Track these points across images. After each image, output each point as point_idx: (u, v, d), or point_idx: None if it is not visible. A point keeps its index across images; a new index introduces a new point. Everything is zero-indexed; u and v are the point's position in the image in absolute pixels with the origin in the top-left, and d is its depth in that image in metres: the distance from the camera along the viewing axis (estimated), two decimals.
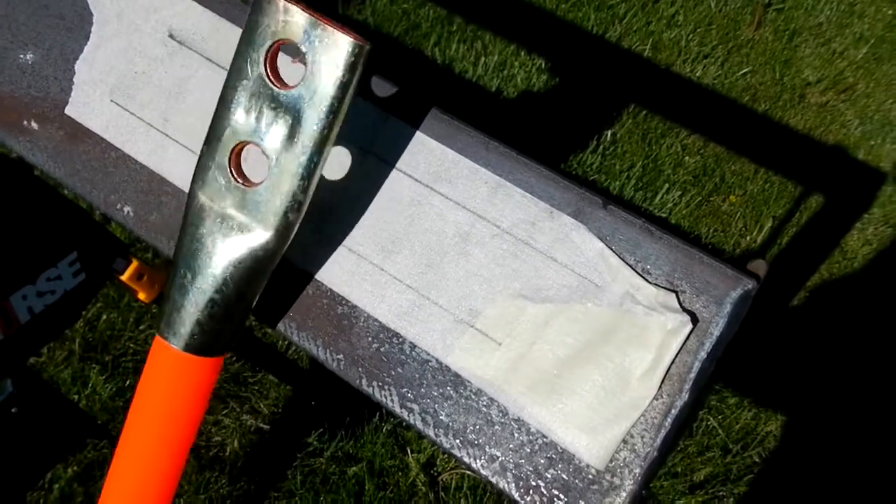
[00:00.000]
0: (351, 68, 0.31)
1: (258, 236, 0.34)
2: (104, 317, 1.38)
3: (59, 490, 1.19)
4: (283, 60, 0.34)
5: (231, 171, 0.33)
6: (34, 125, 0.44)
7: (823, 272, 1.62)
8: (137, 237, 0.42)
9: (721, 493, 1.32)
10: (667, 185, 1.68)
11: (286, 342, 1.39)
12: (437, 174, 0.37)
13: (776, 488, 1.36)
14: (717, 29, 1.95)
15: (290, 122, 0.32)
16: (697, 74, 1.87)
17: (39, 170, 0.45)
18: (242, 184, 0.33)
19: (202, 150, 0.34)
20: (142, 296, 1.02)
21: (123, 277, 0.98)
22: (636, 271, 0.34)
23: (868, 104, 1.87)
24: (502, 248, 0.36)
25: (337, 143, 0.38)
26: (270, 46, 0.31)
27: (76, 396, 1.30)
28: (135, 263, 0.98)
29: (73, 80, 0.44)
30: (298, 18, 0.31)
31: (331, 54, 0.31)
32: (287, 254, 0.38)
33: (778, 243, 1.65)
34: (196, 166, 0.34)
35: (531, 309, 0.35)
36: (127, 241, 1.34)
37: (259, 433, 1.31)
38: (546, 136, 1.73)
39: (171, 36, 0.42)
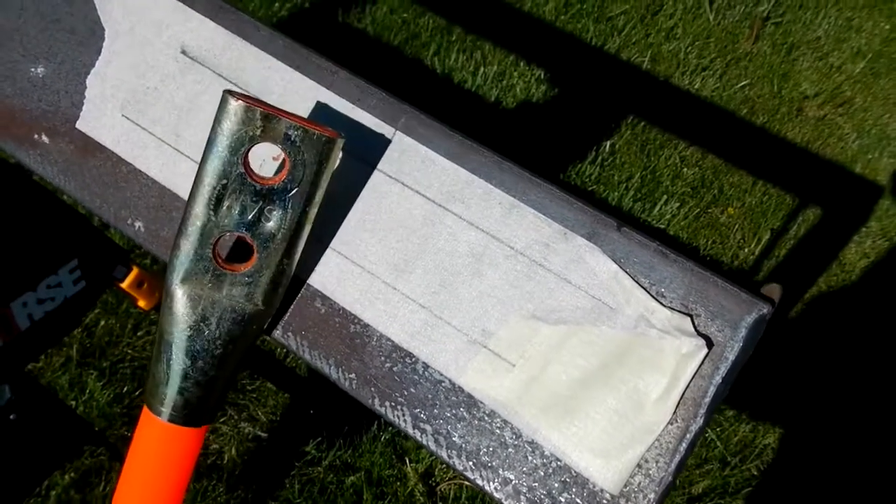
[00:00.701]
0: (329, 158, 0.34)
1: (247, 311, 0.35)
2: (102, 323, 1.37)
3: (56, 497, 1.19)
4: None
5: (216, 261, 0.34)
6: (45, 139, 0.44)
7: (821, 285, 1.63)
8: (145, 250, 0.42)
9: None
10: (665, 197, 1.69)
11: (285, 350, 1.39)
12: (450, 194, 0.37)
13: (774, 502, 1.36)
14: (715, 42, 1.96)
15: (275, 211, 0.34)
16: (696, 87, 1.88)
17: (48, 181, 0.44)
18: (228, 270, 0.34)
19: (177, 244, 0.34)
20: (142, 303, 1.02)
21: (124, 285, 0.98)
22: (651, 294, 0.34)
23: (865, 118, 1.88)
24: (516, 269, 0.36)
25: (348, 162, 0.39)
26: (249, 149, 0.33)
27: (73, 402, 1.29)
28: (135, 271, 0.97)
29: (85, 94, 0.44)
30: (277, 124, 0.33)
31: (311, 150, 0.33)
32: (298, 271, 0.38)
33: (776, 255, 1.65)
34: (171, 260, 0.34)
35: (545, 330, 0.35)
36: (126, 247, 1.34)
37: (257, 441, 1.30)
38: (545, 147, 1.74)
39: (183, 52, 0.42)
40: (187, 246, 0.34)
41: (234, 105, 0.32)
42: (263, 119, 0.32)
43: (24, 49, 0.45)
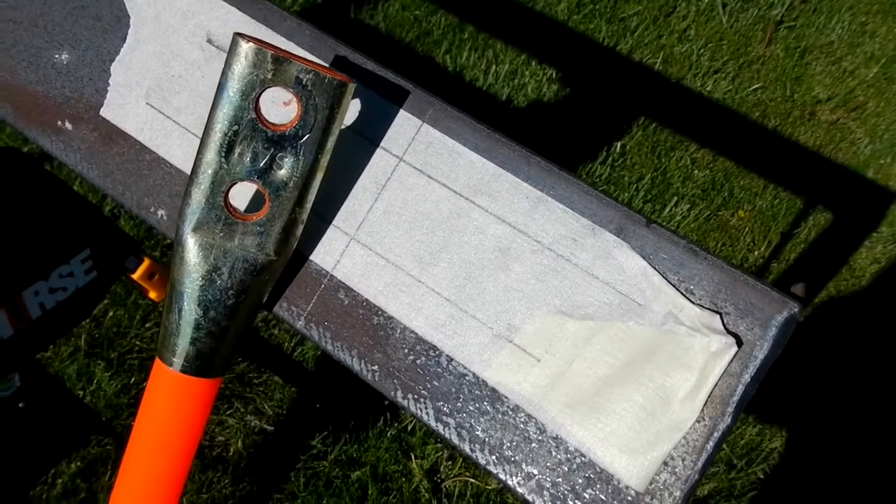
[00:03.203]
0: (340, 103, 0.33)
1: (259, 261, 0.35)
2: (110, 313, 1.37)
3: (63, 485, 1.19)
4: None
5: (227, 210, 0.34)
6: (68, 126, 0.44)
7: (831, 289, 1.62)
8: (156, 236, 0.42)
9: None
10: (675, 198, 1.68)
11: (292, 343, 1.39)
12: (477, 187, 0.37)
13: None
14: (728, 44, 1.96)
15: (287, 158, 0.33)
16: (708, 89, 1.87)
17: (70, 169, 0.44)
18: (239, 219, 0.34)
19: (188, 193, 0.34)
20: (152, 295, 1.02)
21: (135, 276, 0.98)
22: (679, 291, 0.33)
23: (878, 123, 1.87)
24: (543, 264, 0.36)
25: (373, 152, 0.38)
26: (260, 94, 0.32)
27: (81, 392, 1.29)
28: (146, 262, 0.97)
29: (109, 81, 0.43)
30: (289, 67, 0.32)
31: (322, 94, 0.33)
32: (322, 263, 0.38)
33: (785, 259, 1.65)
34: (183, 208, 0.34)
35: (571, 326, 0.34)
36: (137, 238, 1.34)
37: (263, 434, 1.30)
38: (555, 146, 1.73)
39: (209, 41, 0.42)
40: (198, 194, 0.33)
41: (245, 47, 0.31)
42: (274, 62, 0.32)
43: (48, 35, 0.45)
